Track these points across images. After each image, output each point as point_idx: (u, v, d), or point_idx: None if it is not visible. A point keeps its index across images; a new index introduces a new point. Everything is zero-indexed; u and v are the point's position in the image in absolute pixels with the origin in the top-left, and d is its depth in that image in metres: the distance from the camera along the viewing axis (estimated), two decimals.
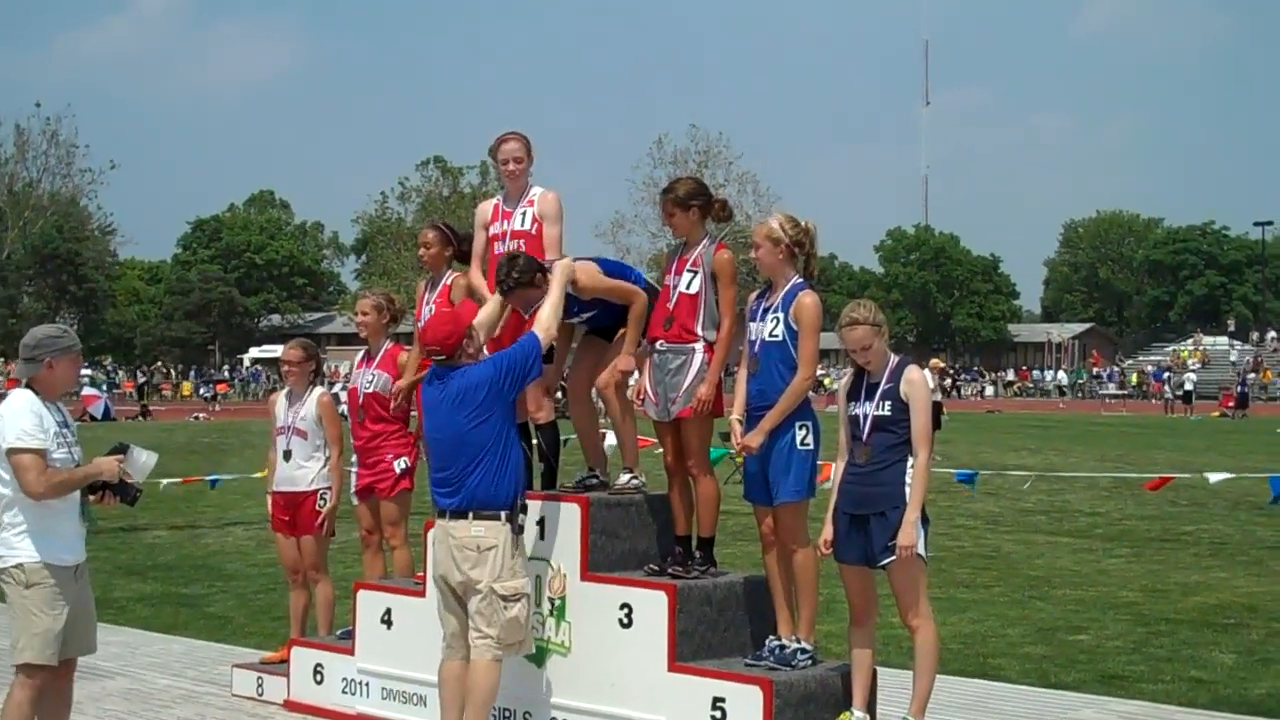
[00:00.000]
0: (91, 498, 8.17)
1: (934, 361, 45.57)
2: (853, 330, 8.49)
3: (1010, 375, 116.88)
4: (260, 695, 10.96)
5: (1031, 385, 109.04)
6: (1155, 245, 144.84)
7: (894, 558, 8.31)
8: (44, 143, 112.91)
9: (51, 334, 8.27)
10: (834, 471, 8.67)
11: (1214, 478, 20.52)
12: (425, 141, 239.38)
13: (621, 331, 9.47)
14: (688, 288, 9.02)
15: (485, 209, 10.37)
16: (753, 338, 8.78)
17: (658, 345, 9.10)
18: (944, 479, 22.77)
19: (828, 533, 8.59)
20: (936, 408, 37.22)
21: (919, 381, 8.46)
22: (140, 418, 65.35)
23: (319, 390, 11.42)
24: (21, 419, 7.89)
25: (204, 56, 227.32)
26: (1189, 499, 25.93)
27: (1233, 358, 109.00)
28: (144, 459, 8.28)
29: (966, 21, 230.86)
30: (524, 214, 9.99)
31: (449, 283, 10.76)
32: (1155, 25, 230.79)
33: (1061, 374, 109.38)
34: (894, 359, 8.53)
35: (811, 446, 8.65)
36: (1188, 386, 75.24)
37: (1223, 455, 37.63)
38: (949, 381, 79.34)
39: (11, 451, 7.82)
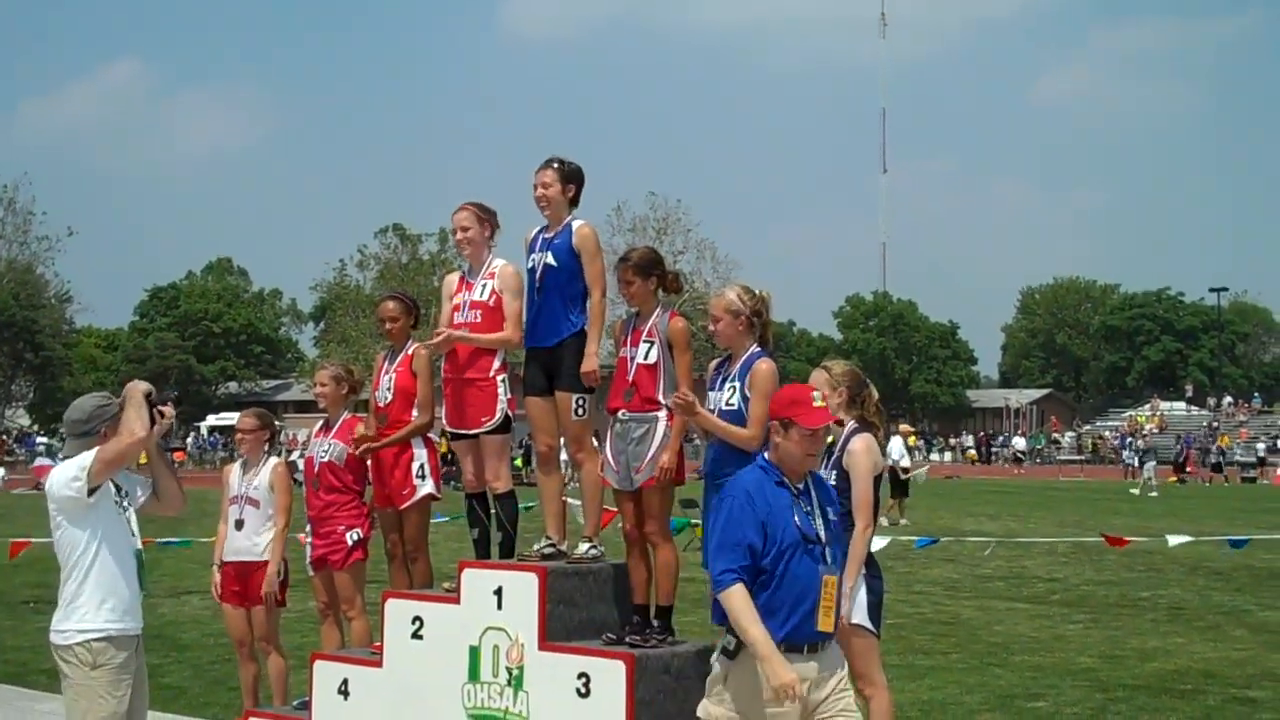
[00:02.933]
0: (155, 429, 8.10)
1: (903, 428, 45.70)
2: (818, 376, 8.59)
3: (969, 441, 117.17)
4: None
5: (986, 451, 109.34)
6: (1112, 311, 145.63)
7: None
8: (0, 210, 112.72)
9: (99, 404, 8.28)
10: None
11: (1173, 540, 20.59)
12: (384, 209, 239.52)
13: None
14: (645, 358, 9.07)
15: (451, 280, 10.38)
16: (711, 406, 8.82)
17: (619, 415, 9.12)
18: (904, 546, 22.80)
19: None
20: (896, 475, 37.52)
21: (859, 451, 8.51)
22: None
23: (274, 460, 11.41)
24: (68, 465, 7.98)
25: (164, 125, 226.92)
26: (1146, 564, 26.02)
27: (1202, 422, 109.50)
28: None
29: (923, 91, 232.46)
30: (484, 285, 10.01)
31: (410, 353, 10.76)
32: (1112, 96, 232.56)
33: (1019, 439, 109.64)
34: (849, 428, 8.56)
35: None
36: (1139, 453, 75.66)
37: (1180, 520, 37.77)
38: (918, 446, 79.52)
39: (80, 475, 7.85)
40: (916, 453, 60.73)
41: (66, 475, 7.94)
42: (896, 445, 40.19)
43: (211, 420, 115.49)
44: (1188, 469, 75.90)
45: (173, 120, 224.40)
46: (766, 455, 7.52)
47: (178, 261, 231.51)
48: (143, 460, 8.66)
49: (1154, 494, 55.31)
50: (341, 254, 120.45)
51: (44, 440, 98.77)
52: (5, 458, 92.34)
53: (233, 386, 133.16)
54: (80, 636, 7.90)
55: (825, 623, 7.24)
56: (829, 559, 7.31)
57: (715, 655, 7.50)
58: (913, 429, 51.38)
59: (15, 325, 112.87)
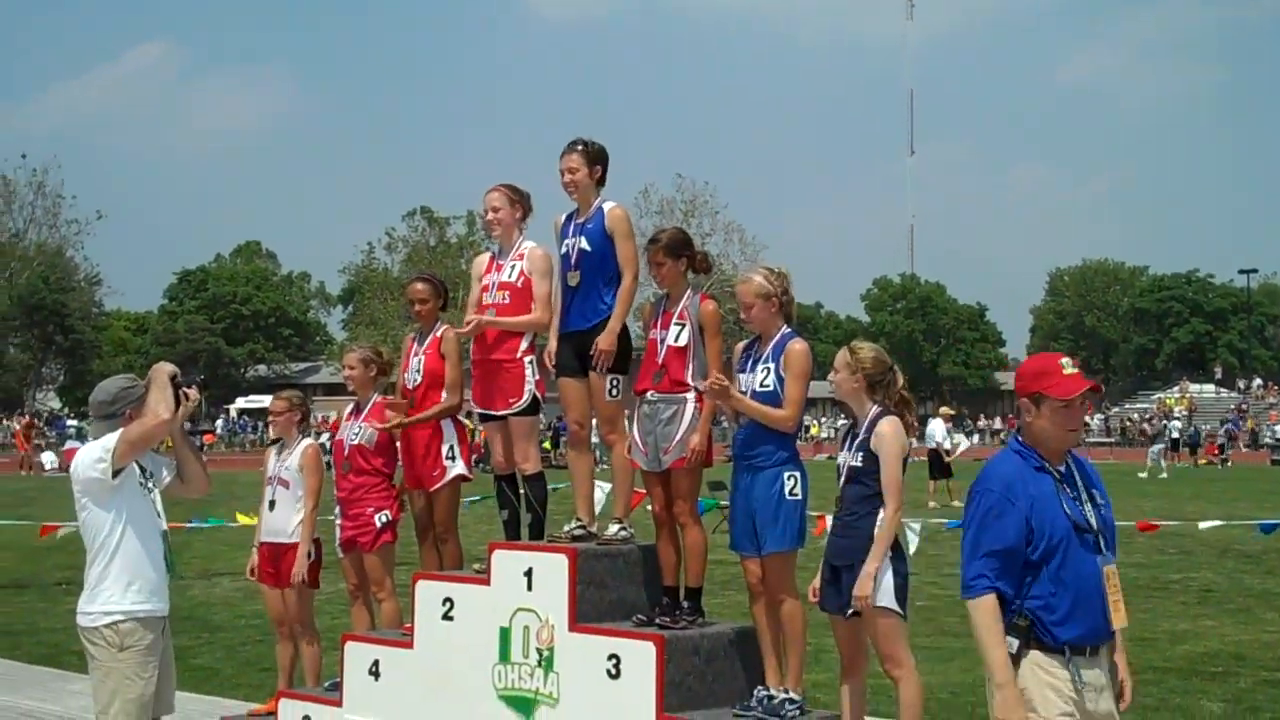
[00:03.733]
0: (180, 411, 8.13)
1: (943, 410, 45.61)
2: (841, 356, 8.56)
3: (998, 423, 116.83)
4: None
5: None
6: (1141, 293, 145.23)
7: (856, 609, 8.32)
8: (30, 193, 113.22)
9: (124, 385, 8.31)
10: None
11: (1204, 525, 20.50)
12: (412, 192, 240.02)
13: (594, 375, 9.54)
14: (676, 340, 9.07)
15: (480, 261, 10.40)
16: (742, 388, 8.81)
17: (648, 396, 9.13)
18: (934, 528, 22.69)
19: (815, 580, 8.60)
20: (939, 457, 37.42)
21: (888, 434, 8.43)
22: None
23: (306, 441, 11.44)
24: (93, 446, 8.01)
25: (193, 107, 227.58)
26: (1176, 547, 25.93)
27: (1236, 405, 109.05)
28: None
29: (951, 73, 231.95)
30: (513, 267, 10.02)
31: (439, 335, 10.77)
32: (1140, 76, 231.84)
33: None
34: (874, 410, 8.53)
35: (800, 497, 8.68)
36: (1174, 435, 75.24)
37: (1210, 503, 37.64)
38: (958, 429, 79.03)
39: (105, 457, 7.87)
40: (959, 435, 60.62)
41: (91, 457, 7.96)
42: (939, 428, 40.16)
43: (241, 403, 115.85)
44: (1223, 451, 75.35)
45: (200, 103, 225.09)
46: (1020, 438, 6.74)
47: (206, 244, 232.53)
48: (168, 443, 8.70)
49: (1163, 475, 55.05)
50: (370, 237, 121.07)
51: (74, 423, 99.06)
52: (36, 440, 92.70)
53: (262, 369, 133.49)
54: (107, 619, 7.93)
55: (1119, 618, 6.61)
56: (1104, 548, 6.64)
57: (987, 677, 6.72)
58: (953, 411, 51.20)
59: (45, 308, 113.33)
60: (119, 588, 7.96)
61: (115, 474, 7.94)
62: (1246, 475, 58.88)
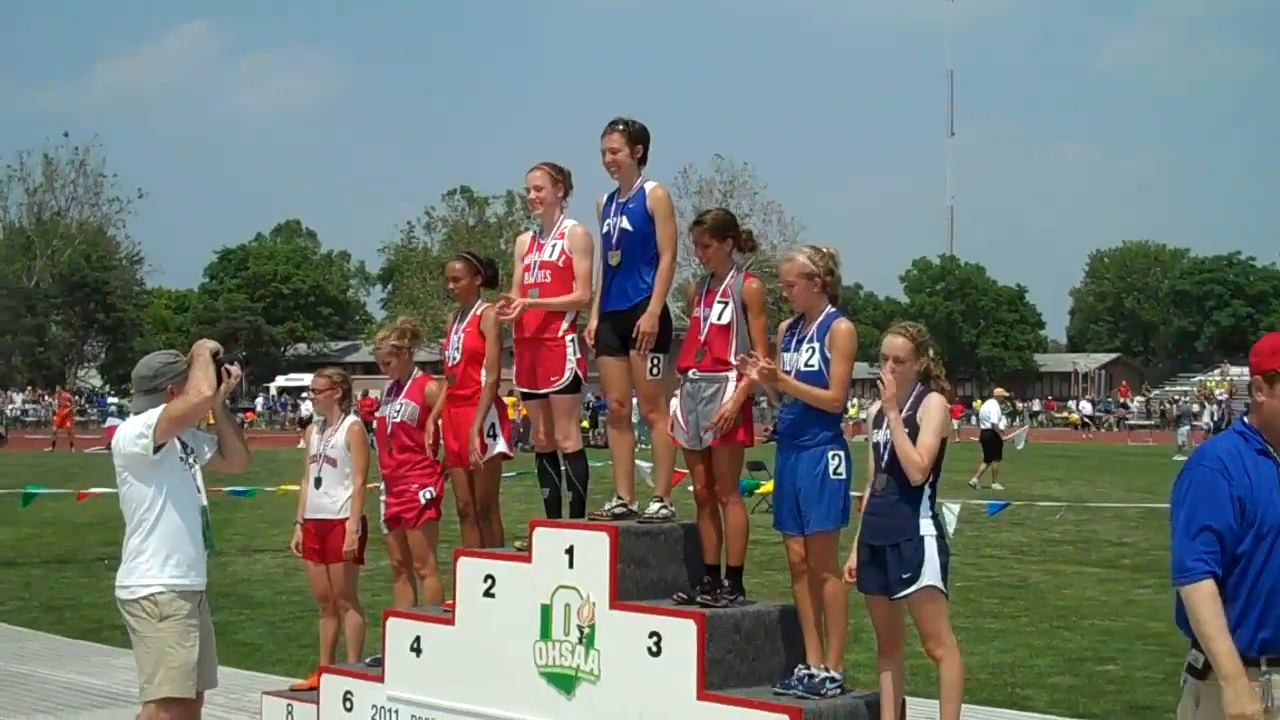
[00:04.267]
0: (222, 388, 8.11)
1: (998, 391, 45.65)
2: (895, 338, 8.52)
3: (1036, 405, 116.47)
4: None
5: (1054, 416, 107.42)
6: (1181, 275, 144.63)
7: (909, 591, 8.32)
8: (72, 172, 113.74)
9: (167, 361, 8.35)
10: (865, 500, 8.68)
11: None
12: (451, 171, 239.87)
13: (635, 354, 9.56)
14: (719, 318, 9.07)
15: (522, 241, 10.41)
16: (787, 368, 8.81)
17: (690, 374, 9.15)
18: (973, 510, 22.73)
19: (853, 561, 8.61)
20: (994, 438, 37.50)
21: (936, 404, 8.44)
22: None
23: (351, 419, 11.49)
24: (134, 421, 8.05)
25: (233, 87, 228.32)
26: None
27: None
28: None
29: (992, 53, 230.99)
30: (554, 245, 10.03)
31: (479, 313, 10.80)
32: (1181, 56, 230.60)
33: (1086, 404, 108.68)
34: (918, 388, 8.53)
35: (844, 476, 8.68)
36: (1215, 418, 74.83)
37: None
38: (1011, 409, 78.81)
39: (146, 432, 7.89)
40: (1017, 418, 60.42)
41: (133, 432, 8.00)
42: (994, 408, 40.18)
43: (281, 381, 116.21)
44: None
45: (241, 83, 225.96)
46: (1246, 419, 6.17)
47: (247, 223, 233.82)
48: (210, 420, 8.72)
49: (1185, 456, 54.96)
50: (409, 216, 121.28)
51: (115, 401, 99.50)
52: (78, 417, 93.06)
53: (302, 348, 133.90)
54: (145, 590, 7.97)
55: None
56: None
57: (1183, 676, 6.16)
58: (1007, 393, 51.09)
59: (87, 286, 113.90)
60: (157, 561, 8.00)
61: (156, 449, 7.97)
62: None
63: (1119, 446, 69.29)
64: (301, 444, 11.70)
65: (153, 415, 7.95)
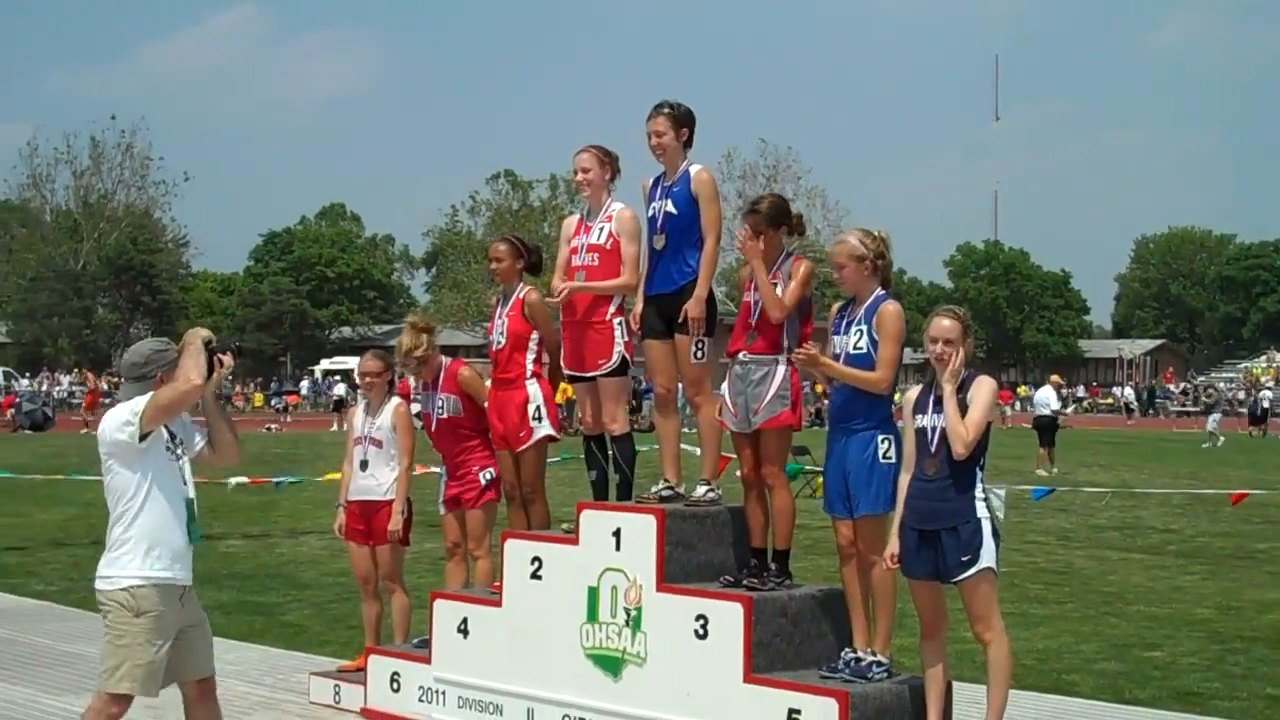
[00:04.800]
0: (213, 378, 7.87)
1: (1053, 378, 45.62)
2: (942, 319, 8.52)
3: (1080, 391, 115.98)
4: (337, 703, 11.05)
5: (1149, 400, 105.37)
6: (1228, 261, 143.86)
7: (969, 574, 8.32)
8: (119, 155, 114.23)
9: (157, 348, 8.11)
10: (900, 485, 8.67)
11: None
12: (496, 155, 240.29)
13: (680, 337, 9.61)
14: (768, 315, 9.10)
15: (569, 223, 10.43)
16: (836, 351, 8.85)
17: (740, 357, 9.17)
18: (1019, 495, 22.67)
19: (894, 546, 8.60)
20: (1052, 423, 37.59)
21: (988, 384, 8.46)
22: None
23: (396, 400, 11.51)
24: (121, 408, 7.82)
25: (277, 70, 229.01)
26: (1263, 517, 25.73)
27: None
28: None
29: (1038, 36, 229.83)
30: (601, 229, 10.04)
31: (521, 296, 10.82)
32: (1229, 40, 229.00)
33: (1129, 390, 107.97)
34: (966, 372, 8.54)
35: (894, 460, 8.69)
36: (1264, 404, 74.45)
37: None
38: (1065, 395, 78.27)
39: (132, 420, 7.67)
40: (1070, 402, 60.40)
41: (119, 419, 7.76)
42: (1050, 394, 40.16)
43: (325, 364, 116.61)
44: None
45: (286, 67, 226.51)
46: None
47: (292, 206, 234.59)
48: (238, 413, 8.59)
49: (1220, 443, 54.49)
50: (453, 200, 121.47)
51: None
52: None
53: (346, 331, 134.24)
54: (125, 582, 7.73)
55: None
56: None
57: None
58: (1061, 380, 51.02)
59: (133, 269, 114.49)
60: (139, 552, 7.75)
61: (143, 438, 7.74)
62: None
63: (1163, 432, 69.00)
64: (335, 427, 11.70)
65: (140, 403, 7.73)
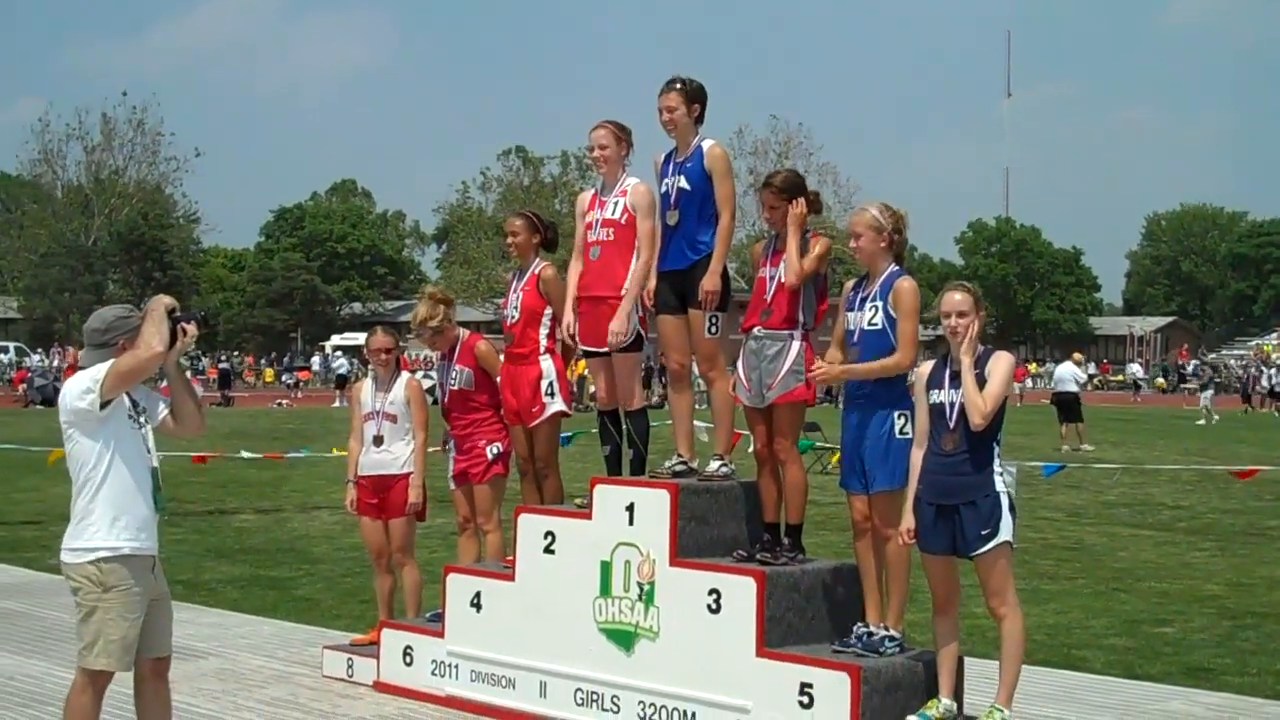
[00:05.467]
0: (176, 346, 7.64)
1: (1075, 355, 45.69)
2: (953, 294, 8.55)
3: (1092, 369, 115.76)
4: (350, 676, 11.09)
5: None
6: (1239, 239, 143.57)
7: (988, 547, 8.34)
8: (130, 131, 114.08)
9: (120, 315, 7.93)
10: (913, 461, 8.68)
11: None
12: (507, 132, 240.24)
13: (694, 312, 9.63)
14: (785, 281, 9.12)
15: (584, 199, 10.44)
16: (850, 327, 8.88)
17: (754, 333, 9.19)
18: (1029, 472, 22.67)
19: (909, 521, 8.61)
20: (1075, 400, 37.73)
21: (1005, 359, 8.48)
22: (223, 404, 65.86)
23: (406, 375, 11.53)
24: (81, 376, 7.65)
25: (290, 47, 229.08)
26: (1274, 494, 25.71)
27: None
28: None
29: (1050, 13, 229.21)
30: (616, 203, 10.05)
31: (536, 271, 10.83)
32: (1241, 17, 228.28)
33: (1136, 367, 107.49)
34: (981, 349, 8.55)
35: (910, 435, 8.71)
36: (1271, 381, 74.24)
37: None
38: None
39: (93, 387, 7.50)
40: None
41: (79, 387, 7.60)
42: (1073, 371, 40.21)
43: (336, 340, 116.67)
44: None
45: (298, 43, 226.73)
46: None
47: (302, 182, 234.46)
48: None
49: (1216, 419, 54.37)
50: (464, 176, 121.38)
51: None
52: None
53: (356, 307, 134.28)
54: (91, 555, 7.56)
55: None
56: None
57: None
58: (1082, 356, 51.08)
59: (144, 245, 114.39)
60: (105, 523, 7.58)
61: (103, 405, 7.57)
62: None
63: (1173, 410, 68.87)
64: (337, 403, 11.64)
65: (100, 370, 7.57)
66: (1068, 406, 38.50)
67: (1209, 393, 61.25)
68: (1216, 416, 55.56)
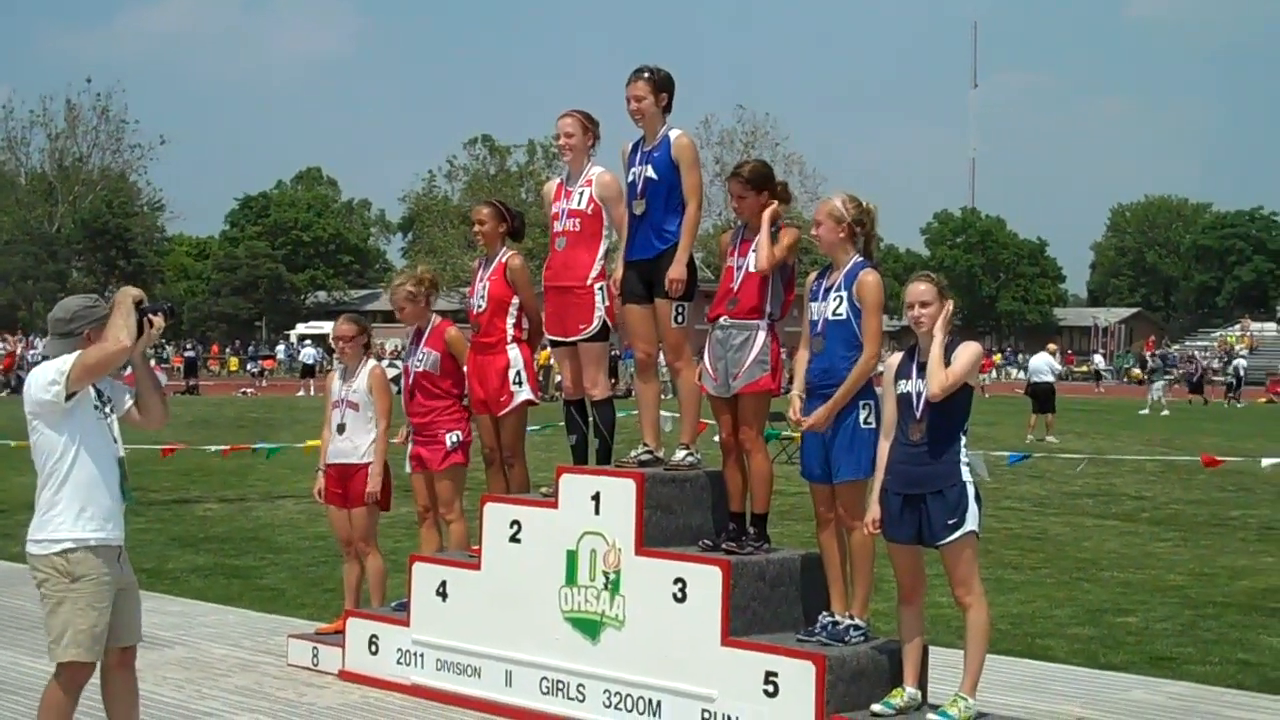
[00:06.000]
0: (142, 339, 7.57)
1: (1050, 346, 45.81)
2: (917, 284, 8.56)
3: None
4: (316, 665, 11.08)
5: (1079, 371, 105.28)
6: (1203, 230, 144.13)
7: (954, 537, 8.36)
8: (94, 118, 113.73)
9: (85, 304, 7.87)
10: (880, 451, 8.70)
11: (1266, 462, 20.44)
12: (473, 120, 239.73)
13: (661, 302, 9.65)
14: (754, 268, 9.13)
15: (549, 189, 10.45)
16: (814, 317, 8.88)
17: (720, 322, 9.20)
18: (993, 462, 22.74)
19: (875, 512, 8.62)
20: (1049, 390, 37.96)
21: (973, 347, 8.50)
22: (187, 393, 65.66)
23: (371, 363, 11.52)
24: (46, 367, 7.57)
25: (256, 35, 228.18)
26: (1236, 484, 25.84)
27: None
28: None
29: (1016, 4, 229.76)
30: (582, 193, 10.05)
31: (504, 260, 10.83)
32: (1209, 10, 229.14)
33: (1099, 358, 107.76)
34: (949, 338, 8.57)
35: (874, 425, 8.75)
36: (1240, 373, 74.53)
37: (1270, 441, 37.45)
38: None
39: (58, 379, 7.42)
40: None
41: (44, 378, 7.53)
42: (1049, 361, 40.33)
43: (301, 329, 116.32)
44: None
45: (264, 31, 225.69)
46: None
47: (268, 170, 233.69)
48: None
49: (1165, 413, 54.32)
50: (430, 165, 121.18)
51: None
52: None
53: (322, 296, 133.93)
54: (57, 546, 7.49)
55: None
56: None
57: None
58: (1056, 347, 51.03)
59: (108, 233, 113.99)
60: (70, 514, 7.51)
61: (68, 397, 7.50)
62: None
63: (1138, 400, 69.10)
64: (302, 393, 11.62)
65: (66, 361, 7.48)
66: (1042, 397, 38.62)
67: (1160, 383, 61.32)
68: (1166, 411, 55.29)
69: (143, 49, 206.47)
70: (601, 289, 10.01)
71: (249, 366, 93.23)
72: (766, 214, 9.13)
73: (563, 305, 10.07)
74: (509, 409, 10.70)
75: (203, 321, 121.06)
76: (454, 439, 11.10)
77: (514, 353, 10.75)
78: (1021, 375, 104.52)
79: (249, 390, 69.90)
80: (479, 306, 10.82)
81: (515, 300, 10.72)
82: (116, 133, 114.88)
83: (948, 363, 8.38)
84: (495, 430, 10.81)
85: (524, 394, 10.73)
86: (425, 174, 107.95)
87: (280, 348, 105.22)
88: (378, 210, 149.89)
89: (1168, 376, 65.37)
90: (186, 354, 77.02)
